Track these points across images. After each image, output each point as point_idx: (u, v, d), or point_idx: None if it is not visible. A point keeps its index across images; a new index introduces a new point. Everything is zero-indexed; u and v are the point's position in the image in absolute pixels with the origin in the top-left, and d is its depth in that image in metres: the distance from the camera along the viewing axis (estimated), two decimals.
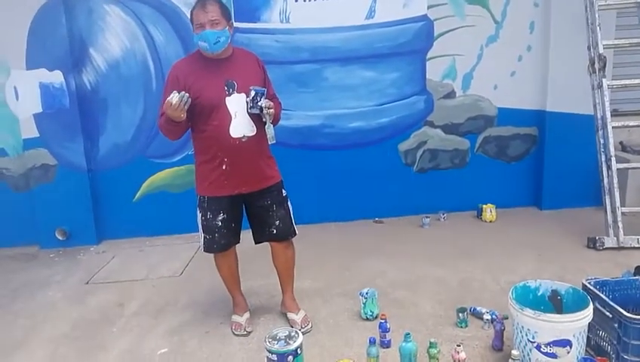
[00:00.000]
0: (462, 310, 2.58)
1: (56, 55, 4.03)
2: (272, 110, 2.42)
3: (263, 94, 2.38)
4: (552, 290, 2.27)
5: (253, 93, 2.36)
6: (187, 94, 2.26)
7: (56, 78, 4.07)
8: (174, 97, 2.23)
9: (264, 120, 2.43)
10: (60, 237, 4.22)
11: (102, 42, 4.13)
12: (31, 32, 3.99)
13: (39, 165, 4.19)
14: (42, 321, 2.97)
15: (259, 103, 2.37)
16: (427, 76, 4.31)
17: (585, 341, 2.07)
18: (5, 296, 3.38)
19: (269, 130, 2.44)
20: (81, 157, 4.20)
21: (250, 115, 2.44)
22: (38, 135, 4.15)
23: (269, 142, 2.44)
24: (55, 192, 4.20)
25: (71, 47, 4.06)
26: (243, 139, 2.44)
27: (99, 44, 4.14)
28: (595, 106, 3.64)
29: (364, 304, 2.70)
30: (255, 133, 2.47)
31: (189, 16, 2.48)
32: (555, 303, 2.25)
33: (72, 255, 4.10)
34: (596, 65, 3.58)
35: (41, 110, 4.11)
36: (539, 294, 2.29)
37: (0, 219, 4.33)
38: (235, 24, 2.53)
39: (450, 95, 4.35)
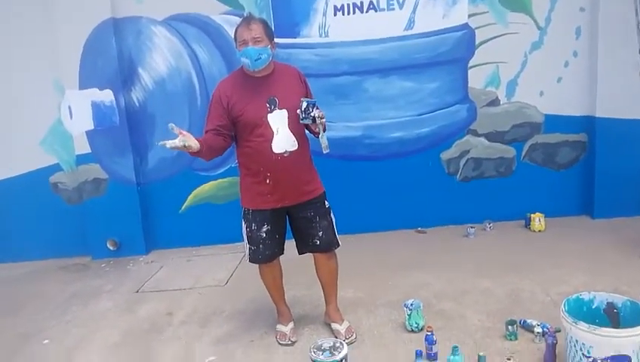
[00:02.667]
0: (511, 322, 2.50)
1: (107, 75, 4.22)
2: (324, 120, 2.44)
3: (315, 104, 2.41)
4: (607, 303, 2.18)
5: (305, 104, 2.39)
6: (175, 142, 2.33)
7: (107, 96, 4.26)
8: (167, 144, 2.31)
9: (317, 130, 2.45)
10: (111, 248, 4.38)
11: (149, 61, 4.30)
12: (84, 54, 4.19)
13: (91, 179, 4.38)
14: (94, 330, 3.08)
15: (311, 114, 2.39)
16: (469, 84, 4.26)
17: None
18: (59, 305, 3.52)
19: (323, 139, 2.45)
20: (131, 171, 4.36)
21: (293, 130, 2.47)
22: (90, 151, 4.35)
23: (324, 151, 2.44)
24: (106, 205, 4.37)
25: (120, 67, 4.24)
26: (285, 155, 2.47)
27: (146, 64, 4.31)
28: None
29: (409, 315, 2.67)
30: (297, 147, 2.50)
31: (233, 35, 2.55)
32: (612, 316, 2.15)
33: (122, 265, 4.25)
34: None
35: (92, 127, 4.30)
36: (593, 307, 2.20)
37: (54, 230, 4.53)
38: (276, 40, 2.58)
39: (494, 103, 4.28)
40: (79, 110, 4.28)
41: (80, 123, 4.31)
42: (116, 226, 4.38)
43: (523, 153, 4.35)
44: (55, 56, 4.21)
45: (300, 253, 2.72)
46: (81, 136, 4.32)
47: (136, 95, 4.36)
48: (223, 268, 3.92)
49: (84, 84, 4.23)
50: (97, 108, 4.27)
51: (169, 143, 2.32)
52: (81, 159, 4.37)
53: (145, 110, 4.38)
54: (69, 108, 4.30)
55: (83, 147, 4.34)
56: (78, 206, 4.47)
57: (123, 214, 4.38)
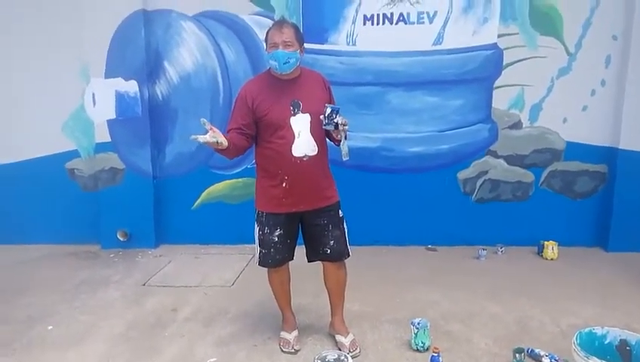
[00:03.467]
0: (519, 350, 2.46)
1: (133, 66, 4.26)
2: (347, 127, 2.43)
3: (338, 111, 2.40)
4: (620, 339, 2.14)
5: (329, 110, 2.39)
6: (206, 137, 2.34)
7: (131, 87, 4.30)
8: (200, 139, 2.32)
9: (339, 136, 2.44)
10: (121, 239, 4.41)
11: (176, 56, 4.34)
12: (112, 44, 4.24)
13: (108, 168, 4.42)
14: (101, 319, 3.09)
15: (335, 120, 2.39)
16: (493, 105, 4.23)
17: None
18: (69, 291, 3.55)
19: (344, 146, 2.45)
20: (148, 163, 4.39)
21: (315, 135, 2.47)
22: (110, 140, 4.39)
23: (344, 158, 2.44)
24: (120, 195, 4.40)
25: (147, 59, 4.28)
26: (304, 159, 2.47)
27: (173, 58, 4.34)
28: None
29: (416, 334, 2.63)
30: (317, 152, 2.50)
31: (264, 37, 2.56)
32: (624, 354, 2.11)
33: (131, 256, 4.27)
34: None
35: (114, 117, 4.34)
36: (605, 342, 2.16)
37: (67, 216, 4.58)
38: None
39: (517, 125, 4.24)
40: (103, 98, 4.32)
41: (102, 111, 4.35)
42: (128, 217, 4.41)
43: (542, 179, 4.30)
44: (84, 44, 4.27)
45: (310, 260, 2.70)
46: (102, 125, 4.37)
47: (160, 88, 4.40)
48: (231, 268, 3.92)
49: (109, 73, 4.28)
50: (121, 98, 4.32)
51: (201, 138, 2.32)
52: (100, 147, 4.41)
53: (168, 103, 4.41)
54: (93, 95, 4.35)
55: (103, 135, 4.38)
56: (93, 194, 4.51)
57: (136, 206, 4.40)
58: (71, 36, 4.31)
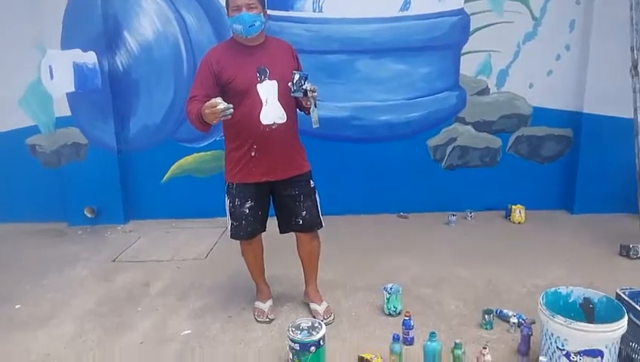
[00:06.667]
0: (488, 312, 2.53)
1: (91, 36, 4.08)
2: (316, 93, 2.39)
3: (307, 77, 2.35)
4: (584, 298, 2.21)
5: (297, 76, 2.34)
6: (232, 108, 2.23)
7: (90, 58, 4.12)
8: (221, 104, 2.20)
9: (308, 103, 2.40)
10: (89, 215, 4.30)
11: (135, 25, 4.16)
12: (67, 13, 4.03)
13: (70, 143, 4.26)
14: (70, 296, 3.03)
15: (303, 87, 2.34)
16: (461, 71, 4.23)
17: (617, 352, 2.01)
18: (35, 269, 3.46)
19: (314, 113, 2.41)
20: (112, 137, 4.25)
21: (283, 102, 2.43)
22: (71, 114, 4.22)
23: (314, 126, 2.40)
24: (85, 171, 4.27)
25: (105, 29, 4.10)
26: (273, 126, 2.43)
27: (132, 27, 4.16)
28: (635, 110, 3.51)
29: (388, 299, 2.68)
30: (285, 120, 2.46)
31: (224, 1, 2.46)
32: (587, 311, 2.19)
33: (100, 233, 4.17)
34: (639, 68, 3.45)
35: (74, 90, 4.17)
36: (570, 301, 2.23)
37: (31, 194, 4.42)
38: (268, 11, 2.51)
39: (484, 92, 4.27)
40: (60, 71, 4.14)
41: (61, 84, 4.17)
42: (95, 193, 4.29)
43: (509, 144, 4.37)
44: (36, 12, 4.04)
45: (282, 231, 2.69)
46: (61, 98, 4.19)
47: (121, 59, 4.23)
48: (203, 242, 3.88)
49: (66, 44, 4.09)
50: (79, 70, 4.14)
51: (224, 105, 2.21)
52: (61, 122, 4.25)
53: (129, 75, 4.25)
54: (50, 68, 4.16)
55: (63, 109, 4.21)
56: (56, 170, 4.36)
57: (102, 181, 4.29)
58: (24, 5, 4.07)
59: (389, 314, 2.68)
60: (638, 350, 2.07)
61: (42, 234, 4.18)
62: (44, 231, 4.25)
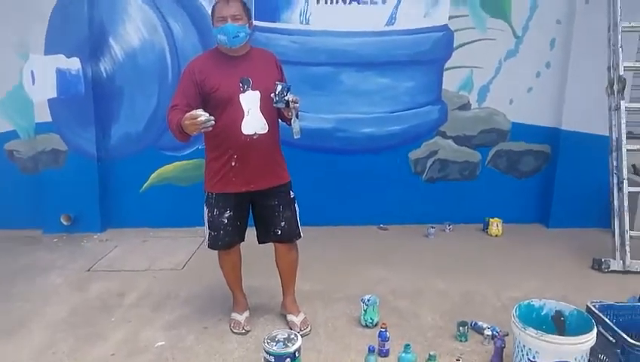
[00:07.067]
0: (463, 324, 2.55)
1: (75, 42, 4.05)
2: (298, 105, 2.40)
3: (289, 88, 2.37)
4: (556, 311, 2.24)
5: (279, 87, 2.35)
6: (213, 120, 2.23)
7: (74, 64, 4.09)
8: (202, 116, 2.20)
9: (290, 114, 2.41)
10: (65, 223, 4.23)
11: (121, 32, 4.14)
12: (52, 18, 4.00)
13: (49, 150, 4.21)
14: (42, 305, 2.97)
15: (285, 98, 2.35)
16: (443, 86, 4.29)
17: None
18: (7, 277, 3.38)
19: (295, 124, 2.42)
20: (92, 144, 4.20)
21: (265, 113, 2.44)
22: (51, 120, 4.17)
23: (295, 136, 2.41)
24: (63, 178, 4.21)
25: (90, 35, 4.07)
26: (254, 137, 2.43)
27: (118, 34, 4.14)
28: (611, 128, 3.60)
29: (365, 311, 2.68)
30: (267, 131, 2.46)
31: (210, 11, 2.48)
32: (558, 324, 2.22)
33: (76, 241, 4.11)
34: (615, 87, 3.54)
35: (55, 95, 4.12)
36: (542, 313, 2.26)
37: (6, 200, 4.34)
38: (255, 22, 2.55)
39: (465, 106, 4.33)
40: (43, 76, 4.09)
41: (42, 90, 4.12)
42: (72, 201, 4.23)
43: (488, 158, 4.43)
44: (21, 16, 4.00)
45: (261, 242, 2.68)
46: (42, 104, 4.14)
47: (105, 66, 4.20)
48: (181, 251, 3.85)
49: (50, 50, 4.05)
50: (62, 76, 4.10)
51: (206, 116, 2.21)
52: (41, 128, 4.19)
53: (112, 82, 4.22)
54: (32, 73, 4.11)
55: (43, 115, 4.16)
56: (33, 176, 4.29)
57: (80, 189, 4.22)
58: (7, 9, 4.04)
59: (366, 326, 2.68)
60: None
61: (16, 241, 4.09)
62: (18, 238, 4.17)
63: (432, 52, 4.22)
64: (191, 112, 2.23)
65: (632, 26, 3.55)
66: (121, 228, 4.35)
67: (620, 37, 3.50)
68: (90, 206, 4.27)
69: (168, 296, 3.09)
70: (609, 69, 3.62)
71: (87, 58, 4.08)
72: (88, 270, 3.54)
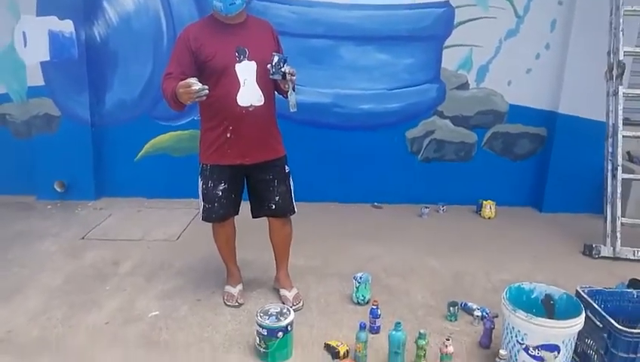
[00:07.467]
0: (453, 304, 2.59)
1: (69, 4, 3.96)
2: (295, 77, 2.37)
3: (286, 60, 2.33)
4: (545, 294, 2.28)
5: (276, 58, 2.31)
6: (207, 90, 2.20)
7: (67, 27, 4.00)
8: (195, 85, 2.17)
9: (286, 87, 2.38)
10: (58, 189, 4.20)
11: None
12: None
13: (42, 114, 4.15)
14: (37, 272, 2.98)
15: (282, 69, 2.32)
16: (442, 65, 4.25)
17: (573, 347, 2.09)
18: (2, 243, 3.38)
19: (292, 97, 2.38)
20: (86, 110, 4.15)
21: (261, 84, 2.40)
22: (44, 83, 4.10)
23: (291, 110, 2.38)
24: (56, 144, 4.17)
25: None
26: (250, 108, 2.40)
27: None
28: (607, 113, 3.60)
29: (357, 288, 2.71)
30: (263, 103, 2.43)
31: None
32: (548, 307, 2.26)
33: (70, 208, 4.10)
34: (614, 72, 3.52)
35: (48, 58, 4.04)
36: (532, 296, 2.29)
37: None
38: None
39: (464, 86, 4.30)
40: (35, 38, 4.01)
41: (35, 52, 4.04)
42: (65, 167, 4.20)
43: (484, 140, 4.43)
44: None
45: (255, 216, 2.68)
46: (34, 67, 4.07)
47: (99, 29, 4.11)
48: (175, 223, 3.85)
49: (42, 11, 3.96)
50: (55, 39, 4.02)
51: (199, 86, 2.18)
52: (33, 91, 4.13)
53: (106, 46, 4.14)
54: (24, 34, 4.03)
55: (36, 79, 4.09)
56: (26, 141, 4.25)
57: (74, 155, 4.19)
58: None
59: (358, 303, 2.72)
60: (593, 346, 2.15)
61: (9, 207, 4.08)
62: (12, 203, 4.15)
63: (433, 28, 4.17)
64: (184, 81, 2.20)
65: (634, 10, 3.51)
66: (115, 196, 4.34)
67: (621, 20, 3.47)
68: (84, 173, 4.24)
69: (162, 267, 3.11)
70: (609, 53, 3.59)
71: (80, 21, 4.00)
72: (82, 238, 3.54)
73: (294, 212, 2.68)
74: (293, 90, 2.40)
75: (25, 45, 4.04)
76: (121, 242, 3.48)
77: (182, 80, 2.24)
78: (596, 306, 2.16)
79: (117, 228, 3.73)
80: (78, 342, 2.33)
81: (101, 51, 4.13)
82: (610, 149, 3.56)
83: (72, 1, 3.94)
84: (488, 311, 2.56)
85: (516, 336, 2.08)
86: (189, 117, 4.15)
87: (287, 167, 2.62)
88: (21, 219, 3.84)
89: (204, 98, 2.22)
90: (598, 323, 2.10)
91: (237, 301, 2.68)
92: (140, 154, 4.33)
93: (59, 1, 3.93)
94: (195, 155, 2.63)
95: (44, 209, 4.09)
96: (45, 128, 4.17)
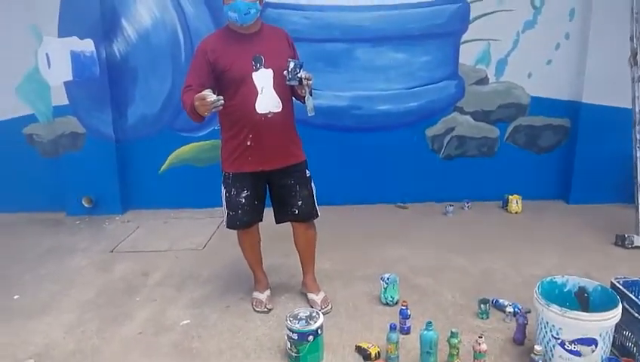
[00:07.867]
0: (484, 301, 2.55)
1: (88, 23, 4.05)
2: (311, 81, 2.38)
3: (302, 65, 2.35)
4: (579, 287, 2.23)
5: (292, 64, 2.33)
6: (222, 100, 2.23)
7: (87, 46, 4.10)
8: (210, 96, 2.20)
9: (303, 92, 2.39)
10: (86, 205, 4.30)
11: (133, 12, 4.13)
12: (64, 0, 4.00)
13: (68, 133, 4.25)
14: (68, 286, 3.05)
15: (298, 75, 2.33)
16: (460, 60, 4.21)
17: (610, 340, 2.04)
18: (33, 259, 3.47)
19: (309, 101, 2.39)
20: (109, 126, 4.24)
21: (279, 91, 2.42)
22: (68, 103, 4.20)
23: (309, 114, 2.38)
24: (83, 160, 4.26)
25: (102, 16, 4.07)
26: (269, 115, 2.42)
27: (130, 14, 4.13)
28: (633, 100, 3.51)
29: (385, 289, 2.70)
30: (281, 109, 2.45)
31: None
32: (582, 300, 2.21)
33: (98, 223, 4.18)
34: (638, 57, 3.44)
35: (71, 78, 4.14)
36: (565, 290, 2.25)
37: (28, 183, 4.41)
38: None
39: (483, 81, 4.25)
40: (58, 59, 4.12)
41: (58, 73, 4.15)
42: (92, 183, 4.29)
43: (507, 134, 4.37)
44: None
45: (278, 221, 2.69)
46: (58, 87, 4.17)
47: (118, 47, 4.20)
48: (201, 232, 3.89)
49: (63, 32, 4.06)
50: (77, 58, 4.12)
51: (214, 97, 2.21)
52: (58, 111, 4.23)
53: (127, 63, 4.22)
54: (47, 56, 4.13)
55: (60, 98, 4.19)
56: (54, 160, 4.35)
57: (100, 171, 4.28)
58: None
59: (386, 304, 2.70)
60: (632, 338, 2.10)
61: (40, 224, 4.19)
62: (42, 220, 4.26)
63: (448, 25, 4.14)
64: (199, 93, 2.23)
65: None
66: (142, 209, 4.41)
67: None
68: (111, 188, 4.32)
69: (191, 276, 3.14)
70: (632, 38, 3.51)
71: (100, 40, 4.09)
72: (112, 251, 3.61)
73: (317, 216, 2.68)
74: (310, 95, 2.41)
75: (49, 66, 4.15)
76: (149, 254, 3.53)
77: (200, 91, 2.27)
78: (633, 297, 2.10)
79: (145, 240, 3.79)
80: (114, 353, 2.37)
81: (122, 68, 4.22)
82: (638, 136, 3.47)
83: (92, 21, 4.04)
84: (520, 307, 2.51)
85: (551, 331, 2.04)
86: (209, 127, 4.20)
87: (308, 172, 2.63)
88: (51, 235, 3.93)
89: (221, 108, 2.24)
90: (637, 314, 2.05)
91: (265, 306, 2.69)
92: (164, 166, 4.39)
93: (79, 21, 4.03)
94: (217, 165, 2.66)
95: (73, 224, 4.18)
96: (71, 146, 4.27)
